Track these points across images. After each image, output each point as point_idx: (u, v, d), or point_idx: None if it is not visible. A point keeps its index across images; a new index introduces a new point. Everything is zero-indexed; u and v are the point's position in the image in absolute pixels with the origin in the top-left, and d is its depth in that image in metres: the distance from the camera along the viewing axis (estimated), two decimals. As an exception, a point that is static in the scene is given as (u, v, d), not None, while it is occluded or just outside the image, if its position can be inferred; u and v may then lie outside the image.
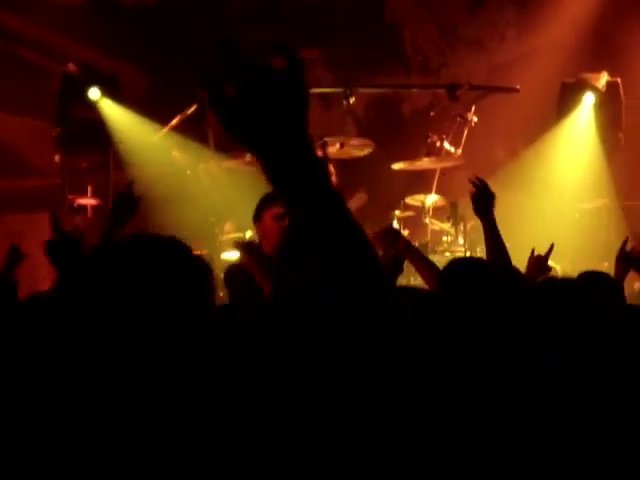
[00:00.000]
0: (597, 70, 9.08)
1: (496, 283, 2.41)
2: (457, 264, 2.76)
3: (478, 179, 4.70)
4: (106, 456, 1.58)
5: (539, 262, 4.76)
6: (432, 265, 4.62)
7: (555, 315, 2.43)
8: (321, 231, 1.56)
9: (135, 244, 1.75)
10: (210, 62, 1.53)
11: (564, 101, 9.10)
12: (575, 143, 9.01)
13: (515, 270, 2.80)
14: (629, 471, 1.95)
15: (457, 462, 1.76)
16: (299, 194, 1.56)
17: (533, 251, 4.85)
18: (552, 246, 4.83)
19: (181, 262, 1.72)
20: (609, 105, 8.92)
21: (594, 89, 8.90)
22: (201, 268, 1.75)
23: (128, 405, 1.60)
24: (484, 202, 4.61)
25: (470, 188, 4.75)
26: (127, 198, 4.38)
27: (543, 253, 4.88)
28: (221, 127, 1.56)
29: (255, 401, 1.77)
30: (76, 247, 3.85)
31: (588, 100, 8.91)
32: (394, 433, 1.62)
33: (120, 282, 1.66)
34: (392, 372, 1.56)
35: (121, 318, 1.63)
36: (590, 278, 3.63)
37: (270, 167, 1.56)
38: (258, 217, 5.16)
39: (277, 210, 4.70)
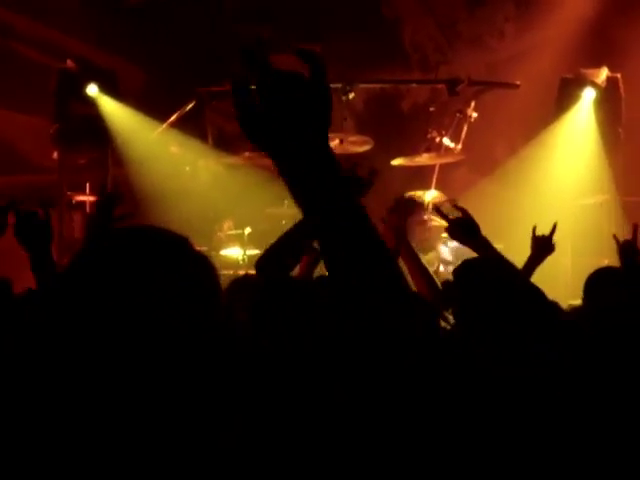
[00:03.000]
0: (597, 66, 9.06)
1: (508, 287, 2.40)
2: (469, 266, 2.75)
3: (459, 207, 4.60)
4: (103, 454, 1.56)
5: (543, 241, 4.71)
6: (425, 268, 4.58)
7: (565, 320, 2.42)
8: (339, 236, 1.55)
9: (134, 237, 1.71)
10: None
11: (563, 97, 9.09)
12: (575, 139, 8.99)
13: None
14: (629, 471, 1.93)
15: (453, 461, 1.75)
16: (318, 200, 1.55)
17: (534, 230, 4.78)
18: (555, 225, 4.76)
19: (184, 257, 1.70)
20: (609, 101, 8.90)
21: (594, 85, 8.88)
22: (204, 263, 1.73)
23: (127, 404, 1.59)
24: (463, 230, 4.50)
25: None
26: (109, 200, 4.30)
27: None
28: (243, 133, 1.55)
29: (254, 401, 1.75)
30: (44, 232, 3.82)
31: (588, 96, 8.89)
32: (391, 433, 1.61)
33: (119, 276, 1.62)
34: (395, 375, 1.55)
35: (120, 313, 1.60)
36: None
37: (292, 173, 1.55)
38: None
39: None
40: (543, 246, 4.68)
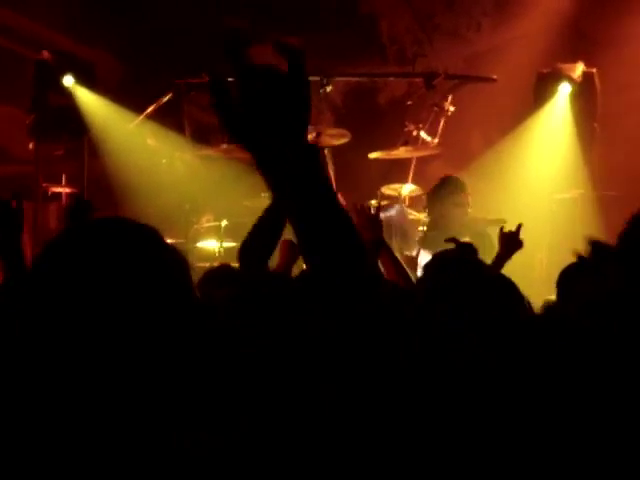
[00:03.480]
0: (573, 60, 9.10)
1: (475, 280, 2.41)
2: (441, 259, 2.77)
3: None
4: (68, 448, 1.56)
5: (510, 237, 4.80)
6: (402, 268, 4.60)
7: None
8: (316, 230, 1.56)
9: (102, 228, 1.70)
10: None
11: (540, 91, 9.12)
12: (551, 133, 9.03)
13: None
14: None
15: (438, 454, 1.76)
16: (297, 194, 1.56)
17: (502, 228, 4.88)
18: (520, 225, 4.86)
19: (153, 248, 1.69)
20: (585, 95, 8.94)
21: (570, 79, 8.92)
22: (174, 254, 1.72)
23: (96, 396, 1.59)
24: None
25: None
26: (80, 207, 4.32)
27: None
28: (222, 128, 1.55)
29: (229, 391, 1.76)
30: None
31: (564, 90, 8.93)
32: (388, 431, 1.62)
33: (86, 267, 1.61)
34: (378, 366, 1.56)
35: (87, 305, 1.59)
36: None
37: (269, 168, 1.56)
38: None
39: None
40: (511, 243, 4.77)
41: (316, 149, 1.57)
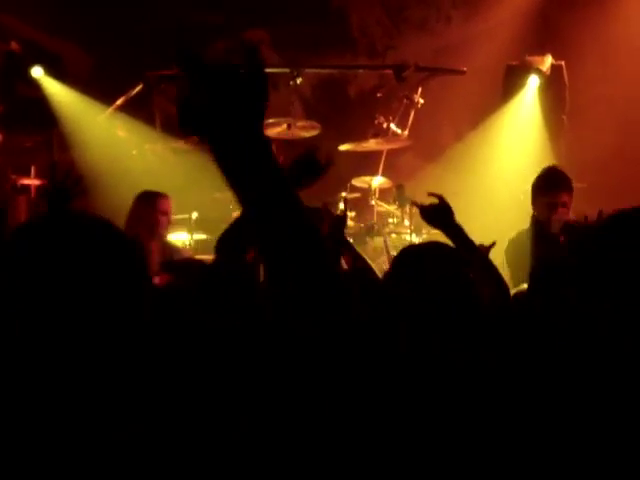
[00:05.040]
0: (542, 53, 9.15)
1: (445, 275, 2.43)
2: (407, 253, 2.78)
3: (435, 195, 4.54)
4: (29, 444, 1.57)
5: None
6: (363, 259, 4.62)
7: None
8: (271, 225, 1.57)
9: (57, 223, 1.71)
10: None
11: (509, 83, 9.17)
12: (520, 125, 9.09)
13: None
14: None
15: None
16: (253, 189, 1.57)
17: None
18: (494, 243, 4.79)
19: (107, 241, 1.70)
20: (553, 88, 9.00)
21: (539, 72, 8.97)
22: (126, 247, 1.72)
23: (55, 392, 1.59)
24: (437, 215, 4.49)
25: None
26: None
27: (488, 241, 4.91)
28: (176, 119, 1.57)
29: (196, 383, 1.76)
30: None
31: (533, 83, 8.98)
32: (386, 431, 1.63)
33: (37, 263, 1.62)
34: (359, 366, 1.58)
35: (42, 299, 1.60)
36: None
37: (225, 159, 1.57)
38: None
39: None
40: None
41: (269, 143, 1.59)
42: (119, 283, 1.66)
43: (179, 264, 4.67)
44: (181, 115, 1.56)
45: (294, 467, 1.68)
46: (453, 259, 2.78)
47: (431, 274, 2.51)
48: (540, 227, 5.62)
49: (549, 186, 6.01)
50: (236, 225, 3.91)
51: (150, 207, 6.65)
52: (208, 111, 1.55)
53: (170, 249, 6.74)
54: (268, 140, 1.59)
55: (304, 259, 1.56)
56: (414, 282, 2.47)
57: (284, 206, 1.57)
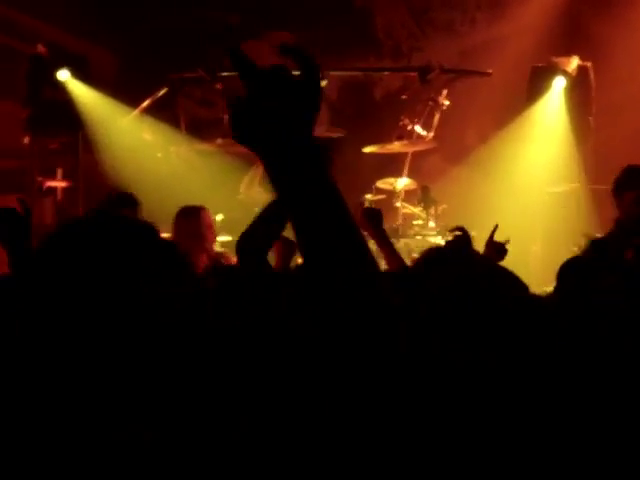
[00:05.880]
0: (568, 54, 9.10)
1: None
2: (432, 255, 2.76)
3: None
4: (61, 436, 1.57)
5: (498, 246, 4.87)
6: (397, 254, 4.67)
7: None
8: (319, 235, 1.55)
9: (100, 226, 1.72)
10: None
11: (534, 85, 9.12)
12: (545, 127, 9.04)
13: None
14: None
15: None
16: (304, 199, 1.55)
17: (493, 233, 4.96)
18: (496, 226, 4.95)
19: (150, 244, 1.70)
20: (579, 89, 8.94)
21: (564, 73, 8.92)
22: (171, 251, 1.73)
23: (103, 387, 1.60)
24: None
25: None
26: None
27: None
28: (230, 127, 1.54)
29: (227, 383, 1.77)
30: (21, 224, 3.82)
31: (558, 84, 8.93)
32: (389, 432, 1.63)
33: (82, 265, 1.63)
34: (384, 363, 1.57)
35: (87, 301, 1.61)
36: None
37: (276, 169, 1.55)
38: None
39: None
40: (497, 251, 4.84)
41: (321, 150, 1.56)
42: (164, 284, 1.67)
43: (224, 269, 4.68)
44: (235, 121, 1.53)
45: (294, 467, 1.68)
46: (479, 262, 2.76)
47: (455, 274, 2.49)
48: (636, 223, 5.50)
49: (636, 180, 5.89)
50: (255, 224, 3.91)
51: (195, 222, 6.35)
52: (261, 117, 1.51)
53: (219, 259, 6.58)
54: (318, 148, 1.56)
55: (351, 263, 1.55)
56: (436, 282, 2.46)
57: (333, 212, 1.55)
